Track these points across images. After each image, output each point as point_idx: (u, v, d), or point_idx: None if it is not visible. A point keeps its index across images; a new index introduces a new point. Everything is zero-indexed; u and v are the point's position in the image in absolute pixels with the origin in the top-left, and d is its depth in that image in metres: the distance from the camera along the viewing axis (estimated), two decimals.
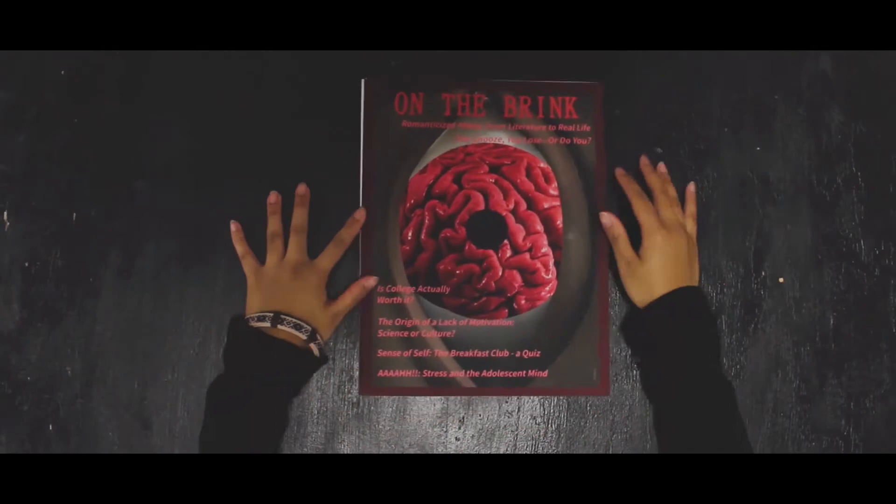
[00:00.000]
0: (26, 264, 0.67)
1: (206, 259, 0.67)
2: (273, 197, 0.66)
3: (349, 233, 0.66)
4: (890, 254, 0.69)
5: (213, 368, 0.66)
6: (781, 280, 0.69)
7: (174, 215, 0.68)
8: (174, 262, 0.68)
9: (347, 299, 0.65)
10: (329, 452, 0.66)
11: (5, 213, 0.68)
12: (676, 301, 0.61)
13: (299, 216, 0.66)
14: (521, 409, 0.67)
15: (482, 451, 0.67)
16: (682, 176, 0.69)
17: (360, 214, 0.67)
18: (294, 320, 0.60)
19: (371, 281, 0.66)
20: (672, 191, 0.66)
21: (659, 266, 0.62)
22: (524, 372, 0.67)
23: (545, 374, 0.67)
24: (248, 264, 0.65)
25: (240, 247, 0.66)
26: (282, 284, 0.62)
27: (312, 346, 0.61)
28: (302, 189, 0.67)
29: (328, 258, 0.65)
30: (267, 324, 0.60)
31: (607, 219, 0.65)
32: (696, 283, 0.64)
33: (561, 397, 0.67)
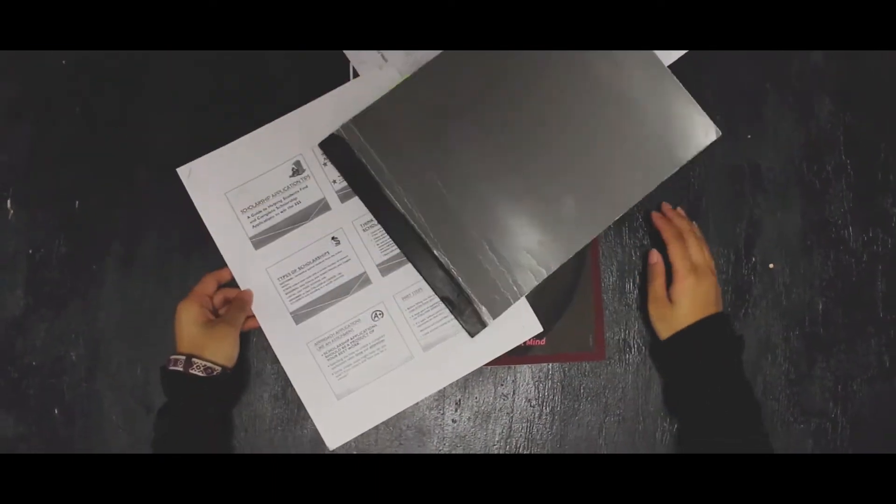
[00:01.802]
0: (30, 252, 0.69)
1: (208, 246, 0.68)
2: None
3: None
4: (878, 240, 0.71)
5: None
6: (772, 266, 0.70)
7: (176, 203, 0.69)
8: (176, 250, 0.69)
9: (230, 311, 0.64)
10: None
11: (9, 202, 0.69)
12: (698, 332, 0.63)
13: (235, 315, 0.64)
14: (517, 391, 0.69)
15: (478, 433, 0.68)
16: None
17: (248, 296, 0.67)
18: (205, 363, 0.60)
19: (250, 295, 0.67)
20: (698, 231, 0.68)
21: (687, 309, 0.63)
22: (523, 341, 0.68)
23: (543, 342, 0.68)
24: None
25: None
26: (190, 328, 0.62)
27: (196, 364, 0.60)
28: (247, 295, 0.67)
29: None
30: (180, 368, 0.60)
31: (655, 257, 0.67)
32: (719, 310, 0.65)
33: (555, 380, 0.69)
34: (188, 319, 0.62)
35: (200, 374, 0.60)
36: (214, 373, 0.61)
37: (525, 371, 0.69)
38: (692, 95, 0.68)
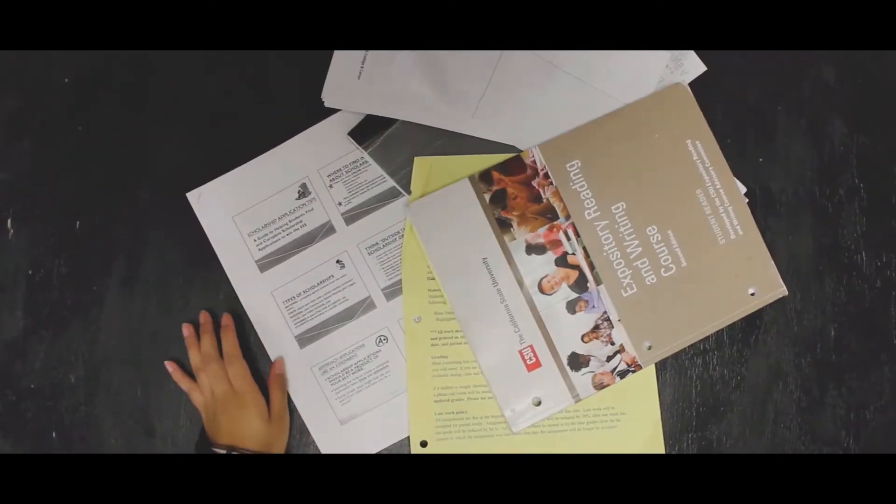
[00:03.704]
0: (30, 272, 0.68)
1: (210, 267, 0.67)
2: (187, 330, 0.66)
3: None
4: (891, 265, 0.70)
5: None
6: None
7: (178, 224, 0.68)
8: (178, 271, 0.68)
9: (278, 397, 0.64)
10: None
11: (9, 221, 0.68)
12: None
13: (229, 344, 0.65)
14: None
15: None
16: None
17: (227, 319, 0.66)
18: (247, 452, 0.60)
19: (281, 365, 0.66)
20: None
21: None
22: None
23: None
24: (195, 399, 0.64)
25: (183, 384, 0.65)
26: (228, 417, 0.61)
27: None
28: (226, 319, 0.66)
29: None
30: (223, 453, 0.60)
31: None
32: None
33: None
34: (253, 418, 0.61)
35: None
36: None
37: None
38: (703, 115, 0.67)
